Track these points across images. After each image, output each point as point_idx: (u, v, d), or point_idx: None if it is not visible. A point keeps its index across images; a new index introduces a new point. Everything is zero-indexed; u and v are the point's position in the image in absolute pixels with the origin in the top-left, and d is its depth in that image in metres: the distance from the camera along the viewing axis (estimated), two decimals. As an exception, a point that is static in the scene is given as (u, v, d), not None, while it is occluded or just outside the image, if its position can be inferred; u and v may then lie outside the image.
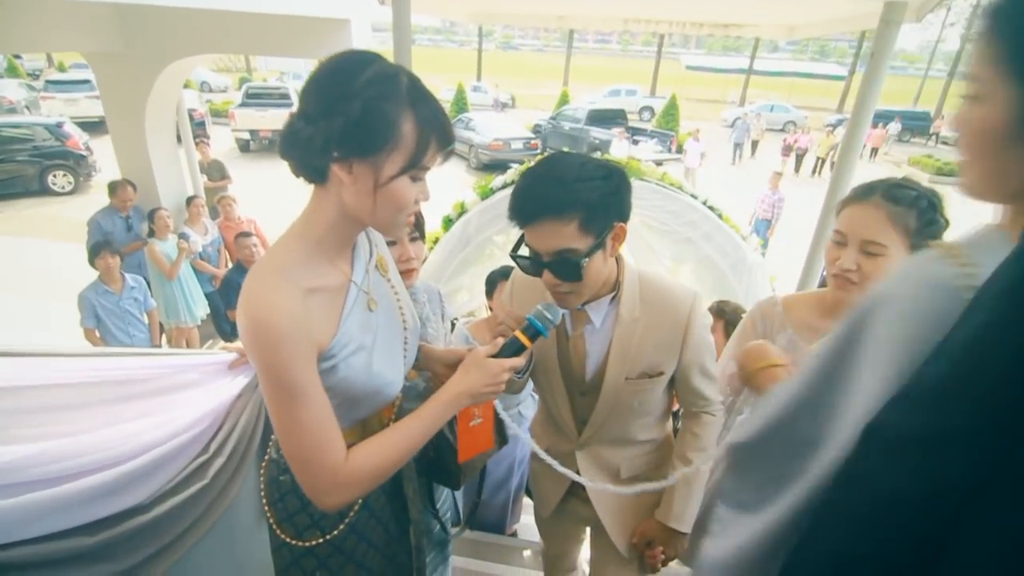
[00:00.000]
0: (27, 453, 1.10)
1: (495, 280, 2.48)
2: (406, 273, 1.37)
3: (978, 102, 0.61)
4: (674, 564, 1.75)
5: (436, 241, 3.75)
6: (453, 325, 2.52)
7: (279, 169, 1.04)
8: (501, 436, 1.41)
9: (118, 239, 4.60)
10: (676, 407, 1.49)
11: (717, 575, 0.84)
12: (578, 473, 1.39)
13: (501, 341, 1.07)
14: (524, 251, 1.17)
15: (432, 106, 0.87)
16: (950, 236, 1.18)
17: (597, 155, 1.20)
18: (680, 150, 14.57)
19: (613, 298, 1.26)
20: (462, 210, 3.74)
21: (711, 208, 3.73)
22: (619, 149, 12.69)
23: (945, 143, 21.05)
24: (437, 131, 0.88)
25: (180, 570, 1.38)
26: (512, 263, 1.25)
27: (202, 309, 4.81)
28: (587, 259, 1.09)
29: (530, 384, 1.47)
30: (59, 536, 1.08)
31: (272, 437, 1.16)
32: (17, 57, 23.61)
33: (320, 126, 0.82)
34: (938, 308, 0.60)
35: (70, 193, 10.60)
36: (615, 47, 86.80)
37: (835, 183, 2.53)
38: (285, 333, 0.82)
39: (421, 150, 0.86)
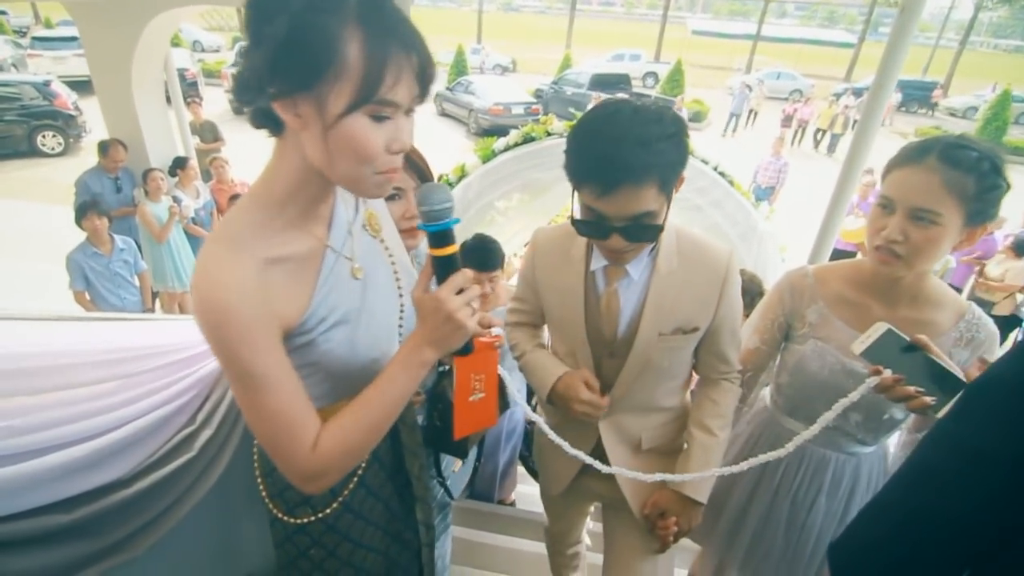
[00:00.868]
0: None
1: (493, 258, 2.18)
2: (409, 232, 1.25)
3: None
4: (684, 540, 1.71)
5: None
6: None
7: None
8: (503, 401, 1.33)
9: (107, 200, 4.47)
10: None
11: None
12: (599, 444, 1.33)
13: (424, 272, 0.85)
14: (581, 214, 1.08)
15: (391, 18, 0.69)
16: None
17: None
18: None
19: (652, 250, 1.19)
20: (462, 174, 3.60)
21: (721, 174, 3.60)
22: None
23: (954, 114, 20.68)
24: (401, 51, 0.69)
25: (168, 544, 1.32)
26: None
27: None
28: (663, 219, 1.04)
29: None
30: (30, 514, 1.01)
31: None
32: (2, 13, 22.86)
33: (252, 58, 0.68)
34: None
35: (60, 154, 10.34)
36: (619, 10, 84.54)
37: (853, 151, 2.39)
38: (235, 314, 0.71)
39: (374, 76, 0.68)
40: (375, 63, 0.68)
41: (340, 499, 1.01)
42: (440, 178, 3.89)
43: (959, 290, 5.49)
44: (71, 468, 1.05)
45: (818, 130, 14.80)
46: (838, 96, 17.95)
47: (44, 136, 10.26)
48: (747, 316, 1.48)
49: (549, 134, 3.60)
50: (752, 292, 2.29)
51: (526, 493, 2.99)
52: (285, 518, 1.01)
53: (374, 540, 1.08)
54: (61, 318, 1.49)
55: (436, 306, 0.80)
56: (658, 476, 1.23)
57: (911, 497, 0.63)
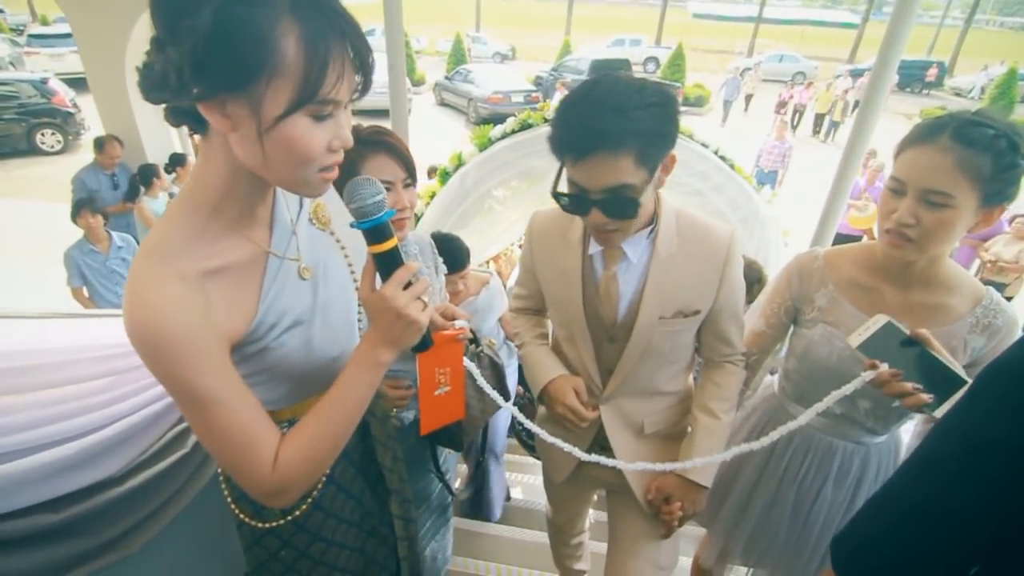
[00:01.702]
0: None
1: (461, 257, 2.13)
2: (398, 223, 1.22)
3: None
4: (689, 526, 1.69)
5: (432, 196, 3.58)
6: None
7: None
8: (503, 393, 1.31)
9: (104, 197, 4.45)
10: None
11: None
12: (601, 430, 1.32)
13: (367, 269, 0.82)
14: (564, 187, 1.06)
15: (328, 9, 0.63)
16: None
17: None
18: (686, 102, 14.11)
19: (650, 232, 1.16)
20: (459, 162, 3.56)
21: (722, 158, 3.54)
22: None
23: (959, 94, 20.39)
24: (339, 45, 0.64)
25: (162, 542, 1.31)
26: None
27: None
28: (643, 195, 1.02)
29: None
30: (16, 515, 0.99)
31: None
32: (-1, 11, 22.80)
33: (170, 54, 0.60)
34: None
35: (59, 152, 10.33)
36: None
37: (855, 133, 2.34)
38: (171, 336, 0.65)
39: (315, 75, 0.62)
40: (316, 60, 0.62)
41: (310, 499, 0.97)
42: (437, 169, 3.84)
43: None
44: (60, 467, 1.03)
45: (817, 115, 14.18)
46: (840, 77, 17.47)
47: (43, 134, 10.24)
48: (748, 303, 1.46)
49: (546, 121, 3.55)
50: (751, 279, 2.25)
51: (528, 483, 2.99)
52: (252, 522, 0.96)
53: (348, 537, 1.04)
54: (53, 316, 1.47)
55: (383, 305, 0.77)
56: (662, 466, 1.21)
57: (916, 490, 0.61)
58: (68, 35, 14.53)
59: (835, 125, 13.77)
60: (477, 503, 2.45)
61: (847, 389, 1.04)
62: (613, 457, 1.32)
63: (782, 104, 14.28)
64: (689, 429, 1.30)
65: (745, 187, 3.55)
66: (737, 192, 3.55)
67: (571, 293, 1.23)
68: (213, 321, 0.70)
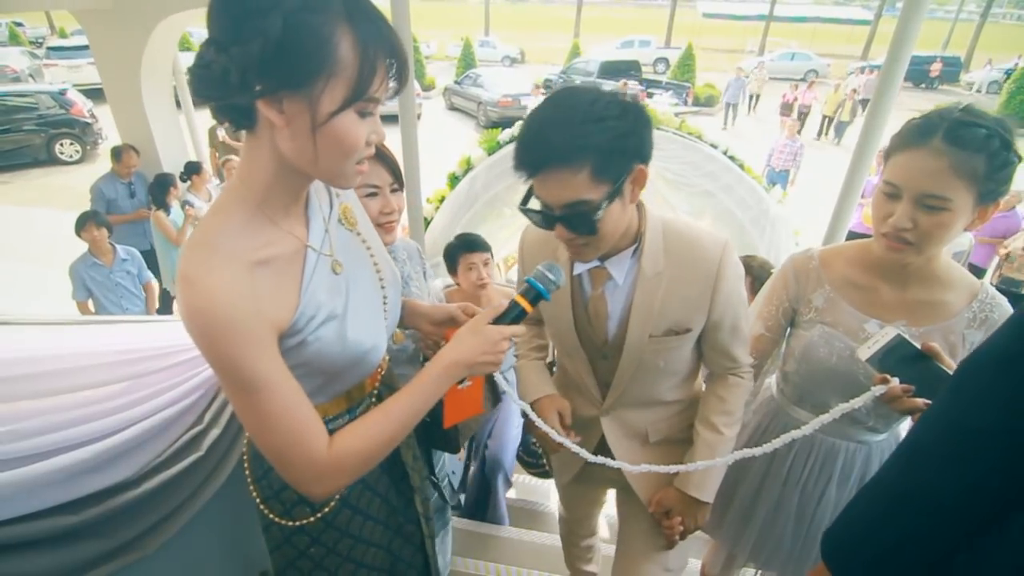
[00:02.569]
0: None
1: (455, 255, 2.35)
2: (386, 227, 1.28)
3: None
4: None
5: (442, 200, 3.60)
6: None
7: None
8: (494, 395, 1.33)
9: (121, 206, 4.54)
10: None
11: None
12: (603, 438, 1.32)
13: (500, 306, 0.96)
14: (534, 204, 1.06)
15: (375, 18, 0.71)
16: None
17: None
18: (696, 102, 13.96)
19: (635, 251, 1.14)
20: (468, 166, 3.58)
21: (732, 158, 3.52)
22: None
23: (977, 89, 20.05)
24: (385, 50, 0.71)
25: (178, 543, 1.33)
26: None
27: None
28: (601, 210, 0.99)
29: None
30: (35, 516, 1.02)
31: None
32: (18, 24, 23.29)
33: (234, 54, 0.65)
34: None
35: (78, 162, 10.54)
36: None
37: (867, 131, 2.31)
38: (230, 321, 0.69)
39: (367, 75, 0.70)
40: (367, 63, 0.70)
41: (338, 496, 1.01)
42: (448, 175, 3.86)
43: (982, 271, 5.32)
44: (77, 470, 1.06)
45: (824, 117, 13.49)
46: (852, 75, 16.93)
47: (62, 144, 10.47)
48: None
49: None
50: (763, 278, 2.25)
51: (531, 484, 2.98)
52: (282, 521, 1.00)
53: (375, 535, 1.07)
54: (69, 322, 1.51)
55: (487, 336, 0.89)
56: (664, 468, 1.20)
57: (903, 480, 0.62)
58: (85, 47, 14.86)
59: (844, 126, 13.07)
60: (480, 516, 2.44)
61: (856, 403, 1.02)
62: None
63: (786, 106, 13.60)
64: (693, 441, 1.29)
65: (755, 187, 3.52)
66: (747, 192, 3.53)
67: (562, 312, 1.23)
68: (264, 310, 0.74)
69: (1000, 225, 5.10)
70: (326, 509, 0.99)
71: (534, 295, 0.96)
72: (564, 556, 1.82)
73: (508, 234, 4.14)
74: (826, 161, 10.89)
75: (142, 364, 1.33)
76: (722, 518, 1.50)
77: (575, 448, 1.21)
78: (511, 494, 2.76)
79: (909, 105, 16.39)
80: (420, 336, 1.21)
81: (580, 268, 1.18)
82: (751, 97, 15.70)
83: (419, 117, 12.78)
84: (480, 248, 2.33)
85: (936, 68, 20.14)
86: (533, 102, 12.27)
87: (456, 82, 15.78)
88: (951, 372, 0.96)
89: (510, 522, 2.43)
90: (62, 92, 10.55)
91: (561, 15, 44.39)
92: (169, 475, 1.25)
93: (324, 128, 0.70)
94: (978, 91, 19.57)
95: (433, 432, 1.28)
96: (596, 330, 1.21)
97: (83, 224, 3.61)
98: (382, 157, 1.25)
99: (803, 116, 13.37)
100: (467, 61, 19.74)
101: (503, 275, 4.54)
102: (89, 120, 10.58)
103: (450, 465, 1.61)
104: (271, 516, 1.00)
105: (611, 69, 15.79)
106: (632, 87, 13.29)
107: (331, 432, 0.81)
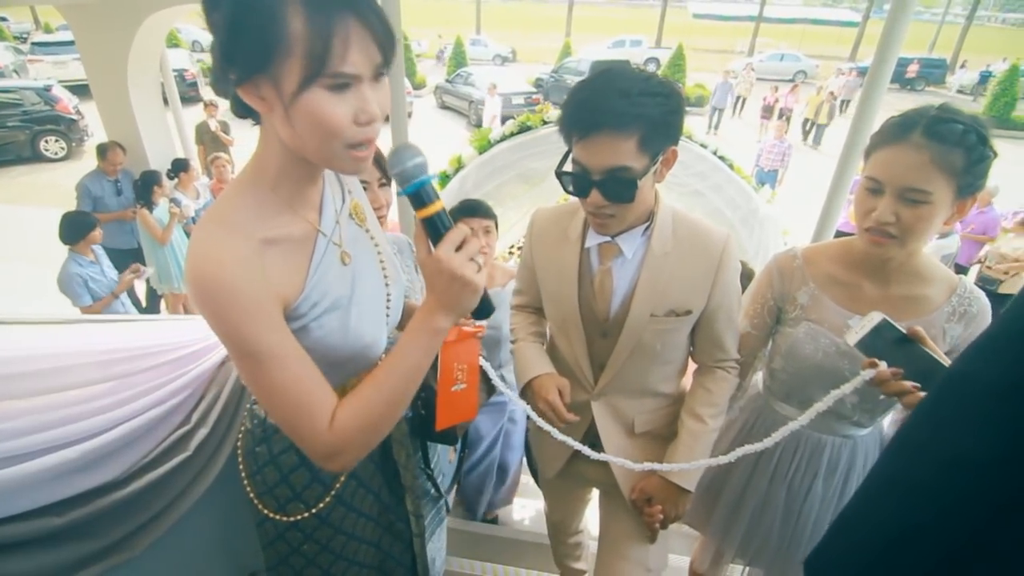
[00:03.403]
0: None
1: (454, 220, 2.22)
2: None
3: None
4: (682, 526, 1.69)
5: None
6: None
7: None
8: (488, 387, 1.32)
9: (107, 203, 4.48)
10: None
11: None
12: (593, 426, 1.33)
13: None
14: (569, 167, 1.11)
15: None
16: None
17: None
18: (687, 102, 13.89)
19: (646, 229, 1.19)
20: (459, 165, 3.57)
21: (721, 158, 3.55)
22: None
23: (962, 91, 20.30)
24: (346, 16, 0.67)
25: (166, 544, 1.32)
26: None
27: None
28: (642, 179, 1.04)
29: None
30: (21, 518, 1.01)
31: (246, 406, 1.07)
32: (2, 19, 22.94)
33: (214, 48, 0.69)
34: None
35: (63, 159, 10.40)
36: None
37: (854, 131, 2.33)
38: (237, 289, 0.70)
39: (319, 50, 0.66)
40: (319, 34, 0.66)
41: (333, 492, 1.01)
42: (439, 174, 3.85)
43: (966, 270, 5.42)
44: (63, 471, 1.05)
45: (806, 120, 13.21)
46: (835, 77, 16.56)
47: (47, 141, 10.32)
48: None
49: (545, 123, 3.56)
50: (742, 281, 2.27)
51: (522, 483, 2.97)
52: (276, 516, 1.00)
53: (366, 532, 1.08)
54: (55, 321, 1.49)
55: (438, 267, 0.77)
56: (644, 465, 1.22)
57: (890, 508, 0.59)
58: (71, 42, 14.58)
59: (822, 129, 12.83)
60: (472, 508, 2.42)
61: (847, 388, 1.05)
62: (596, 462, 1.33)
63: (767, 108, 13.18)
64: (678, 431, 1.31)
65: (744, 187, 3.55)
66: (736, 192, 3.56)
67: (567, 287, 1.25)
68: (271, 285, 0.75)
69: (980, 222, 5.26)
70: (321, 505, 1.00)
71: (421, 192, 0.78)
72: (552, 554, 1.82)
73: (499, 233, 4.14)
74: (804, 165, 10.66)
75: (129, 363, 1.31)
76: (710, 513, 1.52)
77: (561, 437, 1.22)
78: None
79: (897, 106, 16.49)
80: None
81: (591, 241, 1.22)
82: (738, 99, 15.49)
83: (410, 115, 12.74)
84: (481, 213, 2.12)
85: (913, 69, 20.37)
86: (491, 102, 12.15)
87: (447, 80, 15.75)
88: (934, 354, 0.98)
89: (504, 520, 2.43)
90: (47, 88, 10.41)
91: (553, 14, 44.44)
92: (156, 475, 1.24)
93: (295, 109, 0.69)
94: (960, 92, 19.80)
95: (430, 426, 1.28)
96: (599, 305, 1.24)
97: (83, 235, 3.39)
98: None
99: (786, 119, 12.45)
100: (458, 59, 19.71)
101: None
102: (75, 117, 10.44)
103: (441, 466, 1.60)
104: (265, 512, 1.00)
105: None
106: None
107: None
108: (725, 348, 1.28)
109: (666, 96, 1.02)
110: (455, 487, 2.43)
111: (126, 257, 4.33)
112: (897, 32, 2.16)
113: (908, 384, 0.99)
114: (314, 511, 1.00)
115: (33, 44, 16.20)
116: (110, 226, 4.38)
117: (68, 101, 10.46)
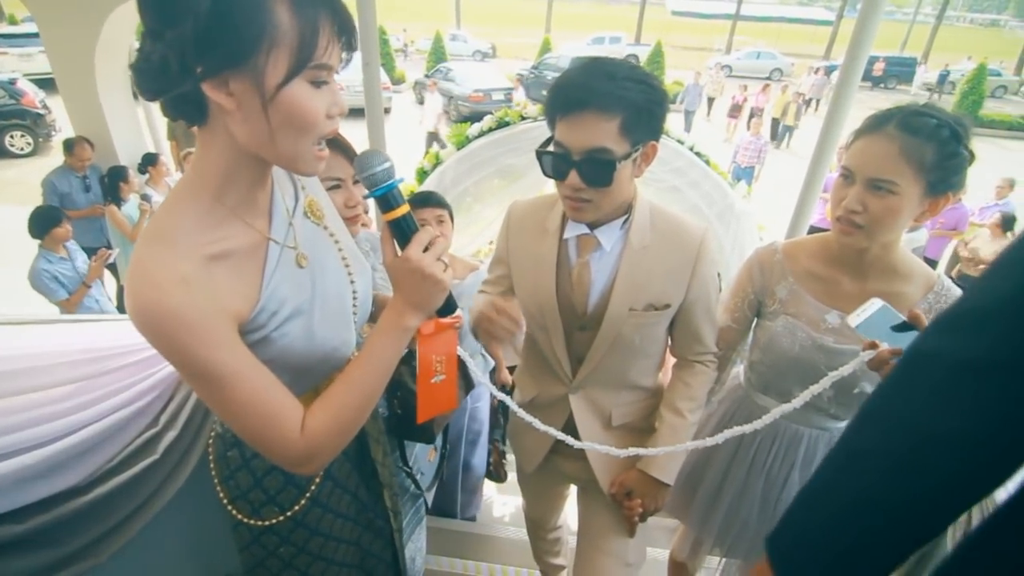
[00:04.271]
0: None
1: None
2: (351, 220, 1.26)
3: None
4: (663, 519, 1.70)
5: (411, 194, 3.56)
6: None
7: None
8: (467, 382, 1.31)
9: (75, 200, 4.36)
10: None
11: None
12: (571, 417, 1.32)
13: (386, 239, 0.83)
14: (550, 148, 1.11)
15: None
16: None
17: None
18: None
19: (624, 223, 1.19)
20: (437, 161, 3.55)
21: (698, 154, 3.58)
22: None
23: (930, 89, 20.78)
24: (326, 9, 0.67)
25: (136, 548, 1.29)
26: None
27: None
28: (620, 163, 1.04)
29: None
30: (-22, 526, 0.97)
31: None
32: (-36, 10, 22.14)
33: (169, 39, 0.62)
34: None
35: (30, 155, 10.07)
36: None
37: (826, 129, 2.36)
38: (180, 313, 0.66)
39: (309, 38, 0.65)
40: (308, 26, 0.65)
41: (308, 495, 0.99)
42: (417, 170, 3.82)
43: (935, 264, 5.56)
44: (21, 477, 1.01)
45: (774, 120, 12.70)
46: (813, 73, 16.21)
47: (12, 136, 9.98)
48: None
49: (523, 118, 3.55)
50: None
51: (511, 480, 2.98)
52: (251, 521, 0.97)
53: (344, 531, 1.06)
54: (13, 322, 1.44)
55: (408, 267, 0.78)
56: (625, 451, 1.21)
57: (851, 483, 0.60)
58: (37, 34, 14.19)
59: (788, 130, 12.50)
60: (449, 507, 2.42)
61: (845, 370, 1.05)
62: (574, 457, 1.35)
63: (735, 107, 12.92)
64: (656, 426, 1.31)
65: (720, 183, 3.59)
66: (712, 187, 3.59)
67: (545, 279, 1.24)
68: (220, 302, 0.71)
69: (950, 217, 5.40)
70: (296, 508, 0.97)
71: (388, 196, 0.80)
72: (532, 550, 1.82)
73: (477, 230, 4.12)
74: (771, 164, 10.21)
75: (93, 365, 1.28)
76: (690, 502, 1.53)
77: (543, 428, 1.19)
78: (489, 491, 2.74)
79: (868, 104, 16.75)
80: None
81: (570, 233, 1.20)
82: (708, 100, 15.02)
83: (388, 111, 12.55)
84: (433, 203, 2.06)
85: (879, 67, 20.76)
86: (431, 99, 11.57)
87: (426, 75, 15.61)
88: None
89: (485, 518, 2.42)
90: (12, 82, 10.08)
91: (533, 10, 44.34)
92: (122, 480, 1.21)
93: (275, 102, 0.67)
94: (922, 89, 20.25)
95: (406, 425, 1.27)
96: (577, 298, 1.23)
97: (48, 228, 3.35)
98: (344, 150, 1.23)
99: (758, 117, 11.87)
100: (437, 55, 19.54)
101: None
102: (41, 111, 10.11)
103: (420, 465, 1.59)
104: (239, 517, 0.97)
105: (582, 65, 15.78)
106: None
107: None
108: (703, 342, 1.28)
109: (650, 86, 1.04)
110: (436, 485, 2.44)
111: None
112: (868, 31, 2.19)
113: None
114: (289, 514, 0.98)
115: (-3, 36, 15.65)
116: (79, 223, 4.25)
117: (34, 95, 10.14)
